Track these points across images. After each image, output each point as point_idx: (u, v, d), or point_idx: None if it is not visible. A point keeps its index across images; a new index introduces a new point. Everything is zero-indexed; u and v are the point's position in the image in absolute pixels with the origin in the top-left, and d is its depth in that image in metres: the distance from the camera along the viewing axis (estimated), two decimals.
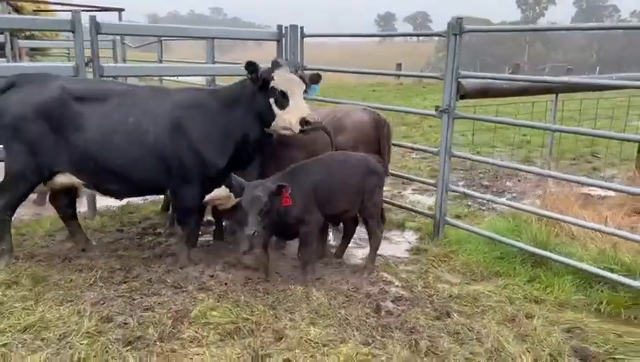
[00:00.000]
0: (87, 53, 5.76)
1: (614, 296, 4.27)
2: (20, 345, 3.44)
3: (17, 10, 15.29)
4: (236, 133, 4.70)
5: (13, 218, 4.88)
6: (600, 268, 4.38)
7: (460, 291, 4.49)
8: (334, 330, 3.76)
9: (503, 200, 5.67)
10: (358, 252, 5.45)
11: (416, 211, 6.23)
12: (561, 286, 4.45)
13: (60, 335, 3.56)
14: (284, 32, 7.18)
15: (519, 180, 8.35)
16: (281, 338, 3.64)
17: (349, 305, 4.18)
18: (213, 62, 9.54)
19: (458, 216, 6.52)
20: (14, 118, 4.55)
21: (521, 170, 5.37)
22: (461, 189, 5.75)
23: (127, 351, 3.42)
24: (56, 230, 5.61)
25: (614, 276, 4.26)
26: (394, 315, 4.09)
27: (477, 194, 5.94)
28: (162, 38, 11.52)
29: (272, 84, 4.56)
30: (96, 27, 5.77)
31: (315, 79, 4.95)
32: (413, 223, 6.24)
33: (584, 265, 4.45)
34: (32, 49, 15.60)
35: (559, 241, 5.03)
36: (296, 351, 3.48)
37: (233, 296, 4.21)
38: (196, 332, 3.65)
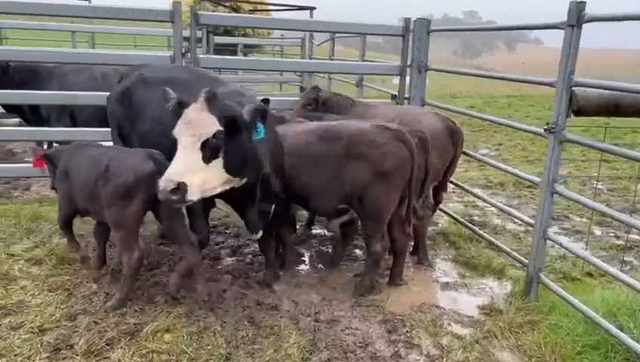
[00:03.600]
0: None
1: None
2: None
3: (235, 10, 16.81)
4: None
5: None
6: None
7: None
8: None
9: (612, 269, 3.86)
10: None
11: (508, 254, 4.79)
12: None
13: (17, 324, 3.50)
14: (412, 26, 6.29)
15: None
16: None
17: None
18: (363, 60, 8.97)
19: (590, 274, 4.85)
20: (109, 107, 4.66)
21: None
22: (560, 240, 4.15)
23: (46, 356, 3.18)
24: None
25: None
26: None
27: (582, 253, 4.24)
28: (334, 36, 11.34)
29: None
30: (195, 18, 5.74)
31: (258, 114, 3.45)
32: (517, 272, 4.80)
33: None
34: (246, 46, 16.99)
35: None
36: None
37: (209, 320, 3.67)
38: (125, 354, 3.22)
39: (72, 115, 6.93)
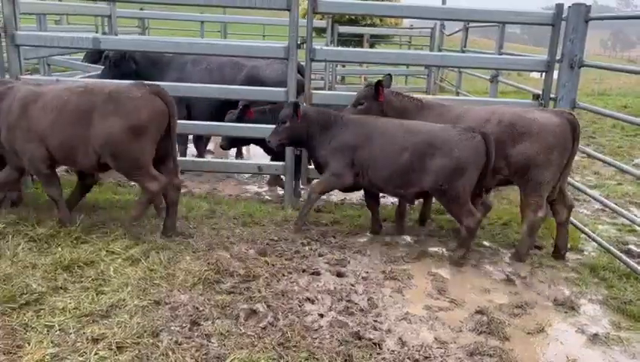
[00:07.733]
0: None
1: None
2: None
3: None
4: None
5: None
6: None
7: None
8: None
9: None
10: None
11: None
12: None
13: (98, 336, 3.25)
14: (565, 13, 5.31)
15: None
16: None
17: None
18: (500, 53, 7.93)
19: None
20: None
21: None
22: None
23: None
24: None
25: None
26: None
27: None
28: (468, 25, 10.29)
29: None
30: (312, 5, 5.27)
31: None
32: None
33: None
34: (372, 36, 16.38)
35: None
36: None
37: (301, 355, 3.17)
38: None
39: (188, 107, 6.84)
